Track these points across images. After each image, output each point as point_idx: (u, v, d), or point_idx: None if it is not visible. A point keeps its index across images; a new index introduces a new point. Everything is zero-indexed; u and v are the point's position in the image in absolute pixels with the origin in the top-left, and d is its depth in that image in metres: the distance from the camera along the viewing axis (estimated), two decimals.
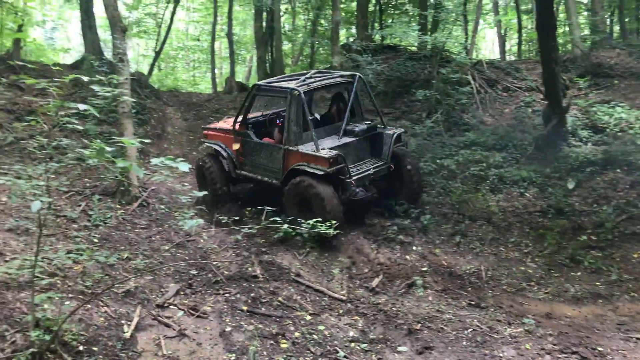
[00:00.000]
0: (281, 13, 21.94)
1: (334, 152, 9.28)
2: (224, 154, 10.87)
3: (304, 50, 25.46)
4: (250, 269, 8.39)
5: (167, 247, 8.84)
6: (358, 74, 10.77)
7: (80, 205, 9.80)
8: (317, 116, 11.18)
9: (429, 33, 15.71)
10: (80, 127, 5.04)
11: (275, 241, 9.36)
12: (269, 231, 9.26)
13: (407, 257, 9.18)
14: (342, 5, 20.75)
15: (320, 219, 7.54)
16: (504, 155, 12.09)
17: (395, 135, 10.18)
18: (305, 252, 9.09)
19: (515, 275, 8.69)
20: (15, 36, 16.05)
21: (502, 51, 26.37)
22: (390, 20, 21.89)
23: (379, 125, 10.49)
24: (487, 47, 35.20)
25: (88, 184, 10.73)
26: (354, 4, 22.39)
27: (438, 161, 11.93)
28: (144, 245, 8.93)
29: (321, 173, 9.14)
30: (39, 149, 6.43)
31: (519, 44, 23.44)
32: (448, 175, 11.56)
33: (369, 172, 9.87)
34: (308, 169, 9.32)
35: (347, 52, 16.54)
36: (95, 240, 8.74)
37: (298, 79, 10.27)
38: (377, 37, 20.32)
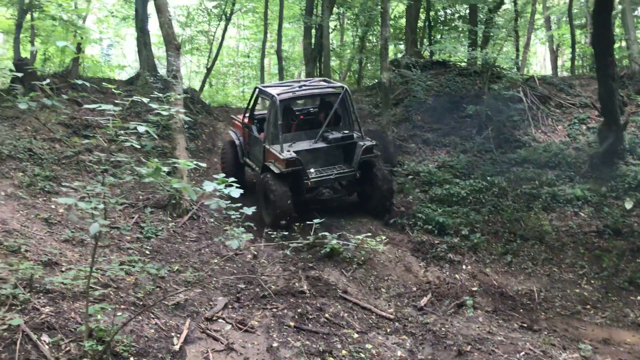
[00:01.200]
0: (330, 30, 22.08)
1: (293, 155, 10.08)
2: (236, 141, 12.18)
3: (352, 66, 25.56)
4: (297, 284, 8.38)
5: (216, 261, 8.95)
6: (345, 86, 11.42)
7: (133, 218, 10.06)
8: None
9: (479, 49, 15.50)
10: (137, 145, 5.16)
11: (322, 256, 9.36)
12: (316, 246, 9.29)
13: (457, 276, 9.02)
14: (391, 22, 20.74)
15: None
16: (557, 173, 11.81)
17: (364, 146, 10.74)
18: (353, 268, 9.04)
19: (570, 298, 8.41)
20: (74, 55, 16.77)
21: (554, 67, 25.79)
22: (439, 36, 21.74)
23: (356, 135, 11.05)
24: (538, 63, 34.46)
25: (141, 197, 11.00)
26: (403, 20, 22.37)
27: (489, 178, 11.72)
28: (193, 258, 9.07)
29: (277, 172, 10.03)
30: (95, 162, 6.63)
31: (572, 59, 22.82)
32: (499, 193, 11.34)
33: (330, 176, 10.55)
34: (271, 167, 10.24)
35: (396, 67, 16.50)
36: (147, 252, 8.93)
37: (292, 86, 11.28)
38: (426, 53, 20.22)
